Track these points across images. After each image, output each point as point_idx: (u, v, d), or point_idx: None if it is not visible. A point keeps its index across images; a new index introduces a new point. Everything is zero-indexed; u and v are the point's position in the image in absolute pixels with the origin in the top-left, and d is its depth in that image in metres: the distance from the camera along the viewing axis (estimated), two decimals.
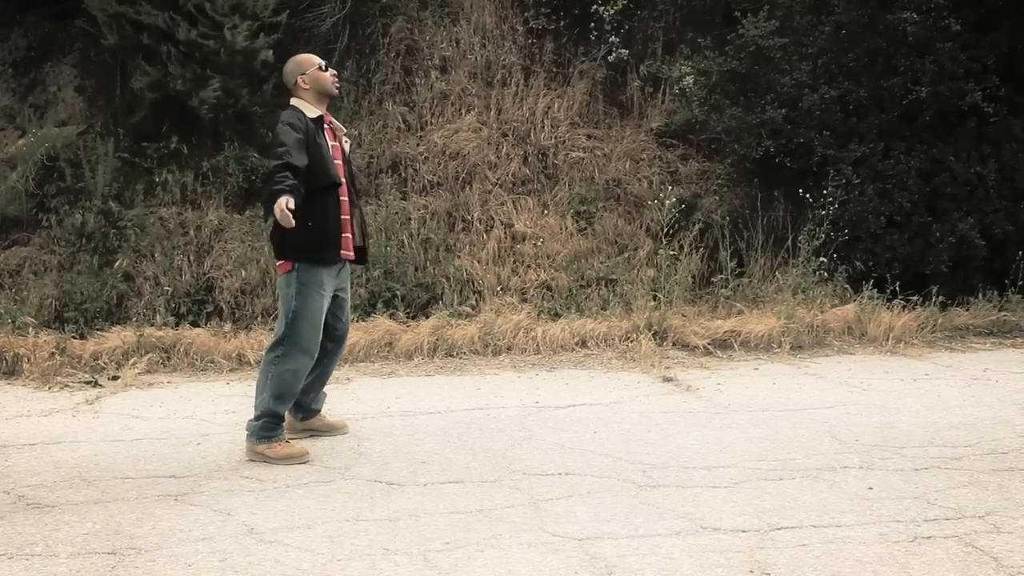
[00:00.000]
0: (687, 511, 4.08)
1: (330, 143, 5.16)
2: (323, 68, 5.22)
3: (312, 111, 5.11)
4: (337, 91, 5.33)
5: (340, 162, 5.20)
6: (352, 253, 5.26)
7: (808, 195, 9.10)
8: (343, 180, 5.14)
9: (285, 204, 4.54)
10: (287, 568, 3.51)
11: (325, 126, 5.17)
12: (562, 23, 11.06)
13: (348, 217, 5.20)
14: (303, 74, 5.17)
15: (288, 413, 5.32)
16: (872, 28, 9.38)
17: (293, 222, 4.57)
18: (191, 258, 9.03)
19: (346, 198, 5.18)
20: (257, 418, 5.07)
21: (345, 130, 5.46)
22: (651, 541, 3.72)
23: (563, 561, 3.54)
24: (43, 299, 8.47)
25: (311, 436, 5.41)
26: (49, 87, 10.29)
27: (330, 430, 5.48)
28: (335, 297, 5.24)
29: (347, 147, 5.35)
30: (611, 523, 3.94)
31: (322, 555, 3.63)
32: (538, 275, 9.25)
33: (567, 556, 3.58)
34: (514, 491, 4.40)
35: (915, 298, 8.74)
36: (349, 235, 5.20)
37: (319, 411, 5.52)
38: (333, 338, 5.36)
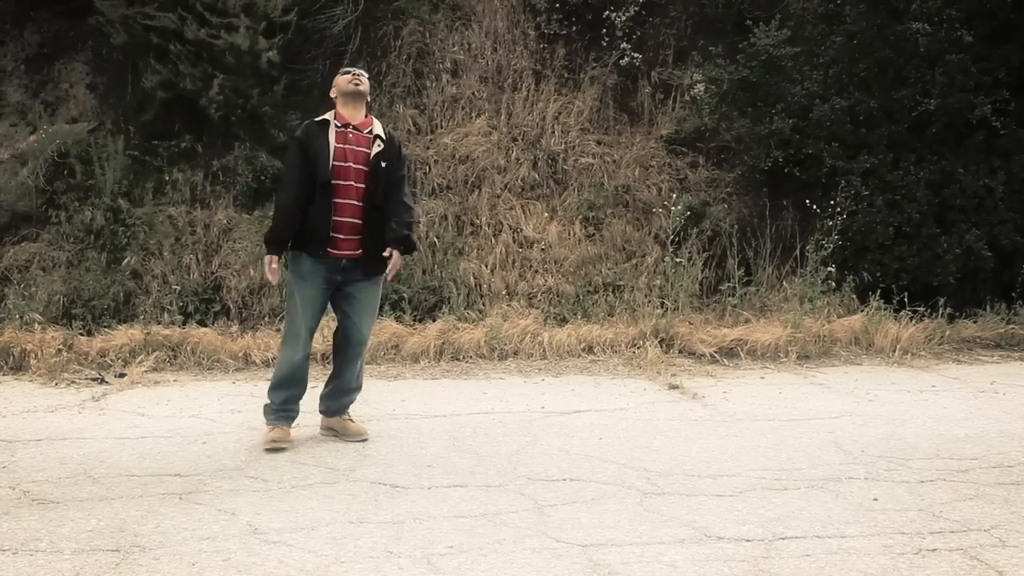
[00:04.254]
0: (691, 519, 4.07)
1: (335, 144, 5.17)
2: (344, 72, 5.40)
3: (332, 115, 5.28)
4: (354, 87, 5.31)
5: (349, 163, 5.18)
6: (352, 253, 5.21)
7: (816, 206, 9.10)
8: (336, 181, 5.15)
9: (268, 264, 5.24)
10: (290, 569, 3.51)
11: (335, 127, 5.21)
12: (574, 29, 11.07)
13: (344, 219, 5.18)
14: (335, 84, 5.41)
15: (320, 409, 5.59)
16: (883, 38, 9.37)
17: (273, 279, 5.27)
18: (199, 257, 9.06)
19: (344, 199, 5.17)
20: None
21: (378, 134, 5.33)
22: (655, 548, 3.72)
23: (567, 567, 3.53)
24: (51, 295, 8.50)
25: (334, 437, 5.45)
26: (61, 84, 10.33)
27: (345, 434, 5.47)
28: (343, 292, 5.28)
29: (375, 150, 5.27)
30: (615, 530, 3.94)
31: (325, 557, 3.63)
32: (545, 280, 9.25)
33: (571, 562, 3.58)
34: (519, 496, 4.40)
35: (922, 309, 8.73)
36: (342, 236, 5.18)
37: (339, 413, 5.55)
38: (344, 336, 5.39)
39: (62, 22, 10.44)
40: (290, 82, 9.65)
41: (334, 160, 5.16)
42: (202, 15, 9.12)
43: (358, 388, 5.54)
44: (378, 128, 5.36)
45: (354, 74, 5.34)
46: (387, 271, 5.30)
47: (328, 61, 10.12)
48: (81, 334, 8.00)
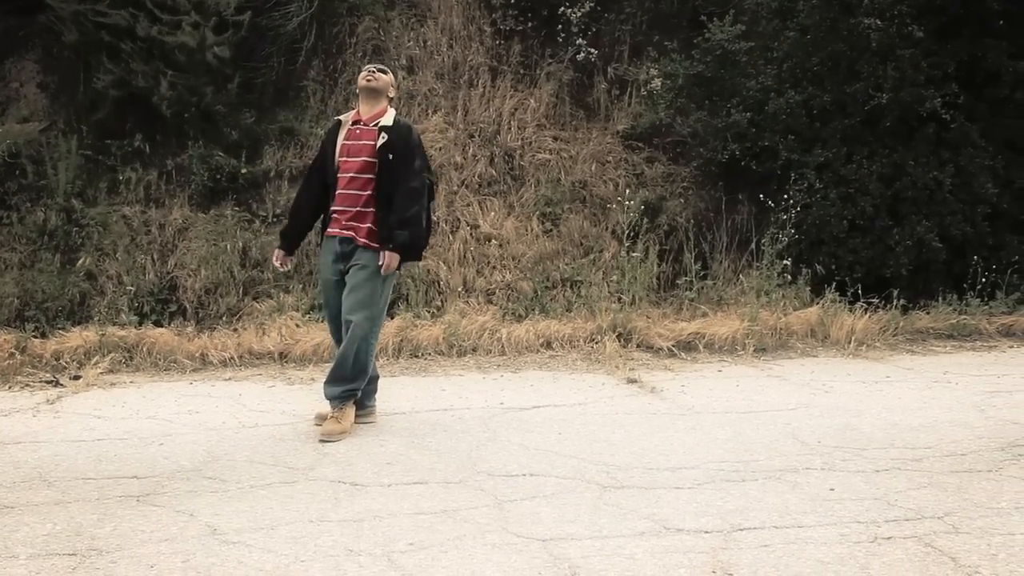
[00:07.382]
0: (651, 512, 4.10)
1: (343, 141, 5.49)
2: (363, 70, 5.67)
3: (352, 112, 5.63)
4: (365, 83, 5.54)
5: (352, 158, 5.41)
6: (340, 231, 5.41)
7: (770, 200, 9.17)
8: (340, 174, 5.44)
9: (275, 255, 5.76)
10: (250, 569, 3.49)
11: (346, 127, 5.53)
12: (529, 24, 11.08)
13: (343, 207, 5.42)
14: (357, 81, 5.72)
15: None
16: (835, 33, 9.47)
17: (279, 266, 5.81)
18: (154, 257, 8.96)
19: (345, 190, 5.43)
20: None
21: (384, 126, 5.45)
22: (615, 542, 3.74)
23: (527, 562, 3.54)
24: (4, 297, 8.37)
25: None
26: (11, 83, 10.18)
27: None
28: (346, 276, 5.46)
29: (380, 141, 5.40)
30: (575, 524, 3.95)
31: (285, 556, 3.61)
32: (503, 276, 9.25)
33: (531, 557, 3.59)
34: (478, 492, 4.41)
35: (877, 301, 8.83)
36: (342, 219, 5.42)
37: (330, 400, 5.61)
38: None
39: (11, 20, 10.27)
40: (244, 80, 9.57)
41: (340, 156, 5.47)
42: (153, 12, 9.01)
43: (352, 379, 5.45)
44: (387, 119, 5.51)
45: (369, 71, 5.59)
46: (379, 263, 5.36)
47: (283, 59, 10.06)
48: (35, 336, 7.88)
